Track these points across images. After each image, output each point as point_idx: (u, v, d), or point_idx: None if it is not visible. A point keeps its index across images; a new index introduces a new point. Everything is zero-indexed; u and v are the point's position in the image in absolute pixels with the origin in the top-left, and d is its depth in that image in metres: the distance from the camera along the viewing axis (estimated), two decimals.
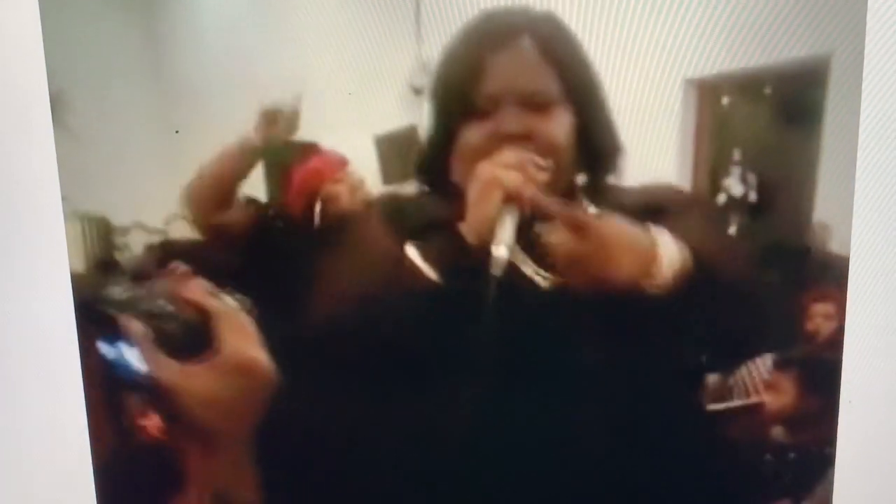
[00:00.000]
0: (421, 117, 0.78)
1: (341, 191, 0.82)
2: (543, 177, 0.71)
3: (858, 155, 0.73)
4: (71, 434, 0.82)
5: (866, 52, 0.71)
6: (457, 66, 0.74)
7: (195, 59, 0.79)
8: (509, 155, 0.71)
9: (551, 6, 0.73)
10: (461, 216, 0.73)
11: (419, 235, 0.75)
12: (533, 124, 0.73)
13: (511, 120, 0.73)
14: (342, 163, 0.81)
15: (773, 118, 0.78)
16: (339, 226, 0.81)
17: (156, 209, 0.81)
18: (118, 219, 0.82)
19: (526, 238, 0.73)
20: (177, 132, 0.81)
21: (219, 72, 0.78)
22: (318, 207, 0.82)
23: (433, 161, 0.78)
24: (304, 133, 0.78)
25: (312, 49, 0.77)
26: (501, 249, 0.68)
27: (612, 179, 0.77)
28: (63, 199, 0.77)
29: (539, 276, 0.75)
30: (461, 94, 0.74)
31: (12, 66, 0.74)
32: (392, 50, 0.76)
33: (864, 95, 0.72)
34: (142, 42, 0.80)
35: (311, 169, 0.81)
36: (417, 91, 0.77)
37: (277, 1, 0.78)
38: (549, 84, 0.74)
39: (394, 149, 0.79)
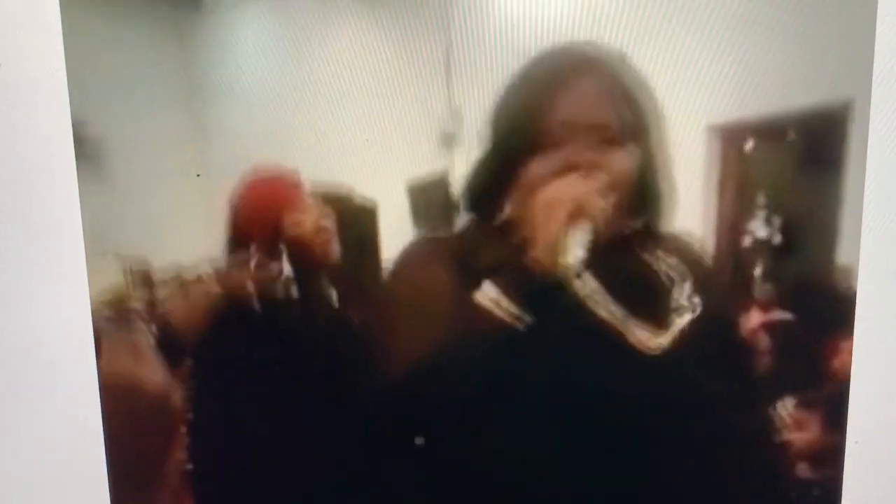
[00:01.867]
0: (451, 163, 0.78)
1: (305, 221, 0.79)
2: (607, 205, 0.72)
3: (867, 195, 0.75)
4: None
5: (873, 98, 0.73)
6: (524, 99, 0.74)
7: (227, 104, 0.79)
8: (575, 177, 0.72)
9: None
10: (524, 251, 0.73)
11: (484, 276, 0.74)
12: (601, 157, 0.73)
13: (581, 151, 0.73)
14: (295, 184, 0.78)
15: (797, 162, 0.80)
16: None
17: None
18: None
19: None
20: (198, 175, 0.80)
21: (248, 119, 0.78)
22: (283, 251, 0.79)
23: (487, 197, 0.78)
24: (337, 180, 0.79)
25: (343, 98, 0.78)
26: (571, 257, 0.69)
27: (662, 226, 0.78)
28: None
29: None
30: (530, 126, 0.74)
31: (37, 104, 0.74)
32: (423, 98, 0.77)
33: (870, 142, 0.74)
34: (172, 92, 0.80)
35: (263, 194, 0.78)
36: (448, 138, 0.78)
37: (310, 52, 0.79)
38: (618, 118, 0.74)
39: (425, 195, 0.80)
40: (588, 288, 0.73)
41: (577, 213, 0.71)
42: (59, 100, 0.75)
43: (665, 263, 0.78)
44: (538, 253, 0.72)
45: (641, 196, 0.76)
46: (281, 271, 0.79)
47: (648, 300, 0.76)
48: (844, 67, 0.75)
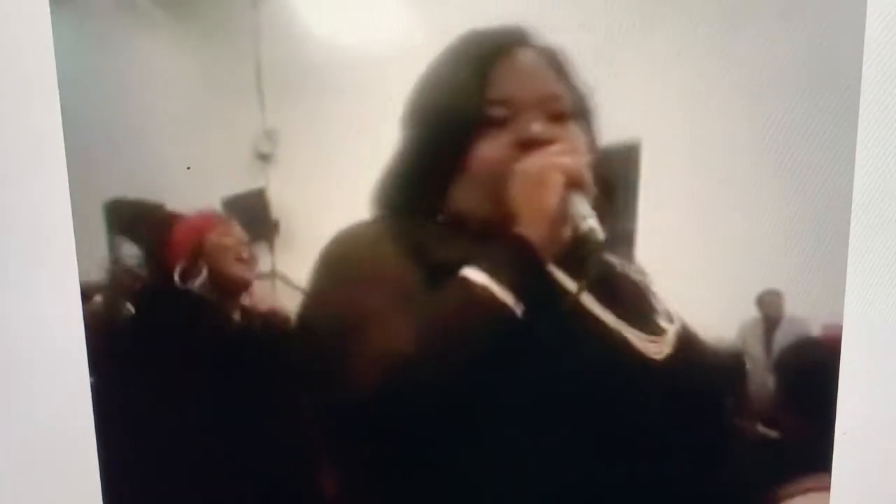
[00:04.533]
0: (267, 181, 0.80)
1: (229, 244, 0.81)
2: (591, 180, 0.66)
3: None
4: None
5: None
6: (459, 80, 0.69)
7: None
8: (557, 148, 0.67)
9: None
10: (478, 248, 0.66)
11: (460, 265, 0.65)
12: (558, 132, 0.69)
13: (532, 123, 0.68)
14: (218, 218, 0.81)
15: None
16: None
17: None
18: None
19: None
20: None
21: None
22: (203, 270, 0.81)
23: (419, 190, 0.72)
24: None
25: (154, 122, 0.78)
26: (591, 220, 0.63)
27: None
28: None
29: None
30: (470, 106, 0.69)
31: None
32: (236, 119, 0.78)
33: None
34: None
35: (189, 225, 0.80)
36: (264, 157, 0.80)
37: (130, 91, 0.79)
38: (563, 91, 0.70)
39: (242, 211, 0.81)
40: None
41: (571, 183, 0.65)
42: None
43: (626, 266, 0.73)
44: (532, 229, 0.65)
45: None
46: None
47: (635, 304, 0.71)
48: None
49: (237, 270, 0.82)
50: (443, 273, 0.65)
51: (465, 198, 0.71)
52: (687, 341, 0.71)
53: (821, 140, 0.72)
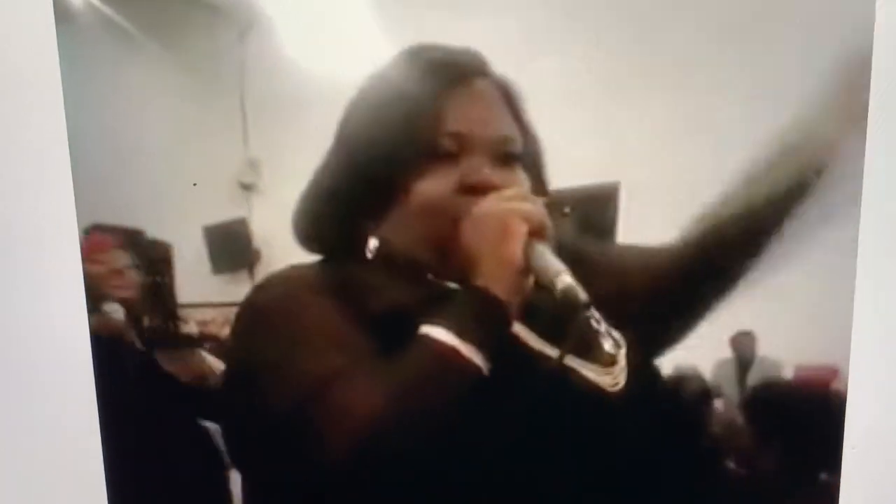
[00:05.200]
0: (249, 211, 0.81)
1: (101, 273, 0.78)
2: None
3: None
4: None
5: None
6: (405, 102, 0.62)
7: None
8: (511, 191, 0.60)
9: None
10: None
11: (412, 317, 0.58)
12: (505, 175, 0.62)
13: (483, 166, 0.61)
14: (106, 243, 0.77)
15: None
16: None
17: None
18: None
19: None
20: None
21: None
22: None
23: (353, 220, 0.65)
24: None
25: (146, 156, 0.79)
26: (566, 277, 0.55)
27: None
28: None
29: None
30: (416, 134, 0.61)
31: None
32: (220, 150, 0.79)
33: None
34: None
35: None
36: (246, 187, 0.80)
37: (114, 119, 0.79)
38: (515, 134, 0.64)
39: (223, 239, 0.82)
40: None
41: (534, 232, 0.58)
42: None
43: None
44: (495, 282, 0.57)
45: None
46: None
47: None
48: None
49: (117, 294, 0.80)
50: (391, 327, 0.58)
51: (399, 236, 0.64)
52: (639, 368, 0.65)
53: None
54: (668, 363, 0.74)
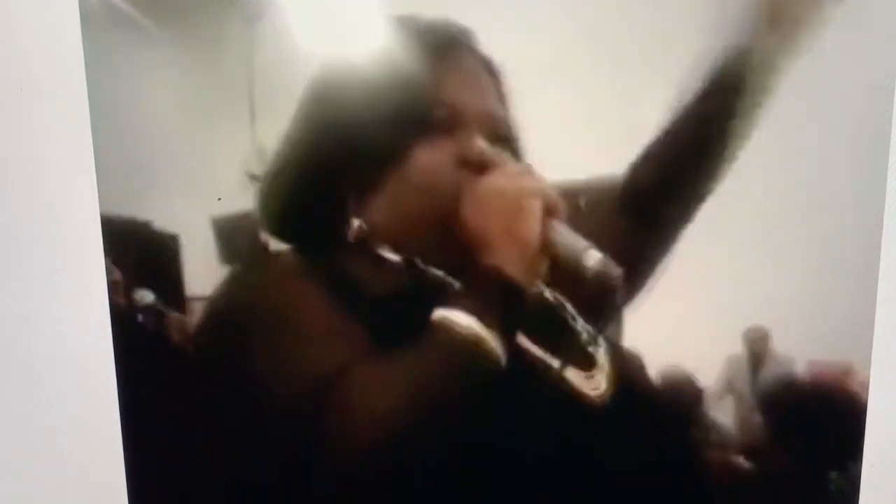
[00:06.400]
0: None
1: None
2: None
3: None
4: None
5: None
6: (396, 68, 0.60)
7: None
8: (517, 167, 0.57)
9: None
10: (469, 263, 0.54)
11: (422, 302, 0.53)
12: (503, 155, 0.59)
13: (477, 141, 0.58)
14: None
15: None
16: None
17: None
18: None
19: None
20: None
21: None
22: None
23: (332, 199, 0.61)
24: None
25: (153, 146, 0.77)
26: (594, 252, 0.52)
27: None
28: None
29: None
30: (416, 102, 0.58)
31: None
32: (228, 138, 0.78)
33: None
34: None
35: None
36: (255, 178, 0.79)
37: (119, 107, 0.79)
38: (502, 114, 0.61)
39: (232, 231, 0.81)
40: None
41: (549, 211, 0.55)
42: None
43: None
44: (511, 263, 0.53)
45: None
46: None
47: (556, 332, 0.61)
48: None
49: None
50: (385, 314, 0.54)
51: (386, 216, 0.60)
52: (622, 370, 0.61)
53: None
54: (659, 365, 0.72)
